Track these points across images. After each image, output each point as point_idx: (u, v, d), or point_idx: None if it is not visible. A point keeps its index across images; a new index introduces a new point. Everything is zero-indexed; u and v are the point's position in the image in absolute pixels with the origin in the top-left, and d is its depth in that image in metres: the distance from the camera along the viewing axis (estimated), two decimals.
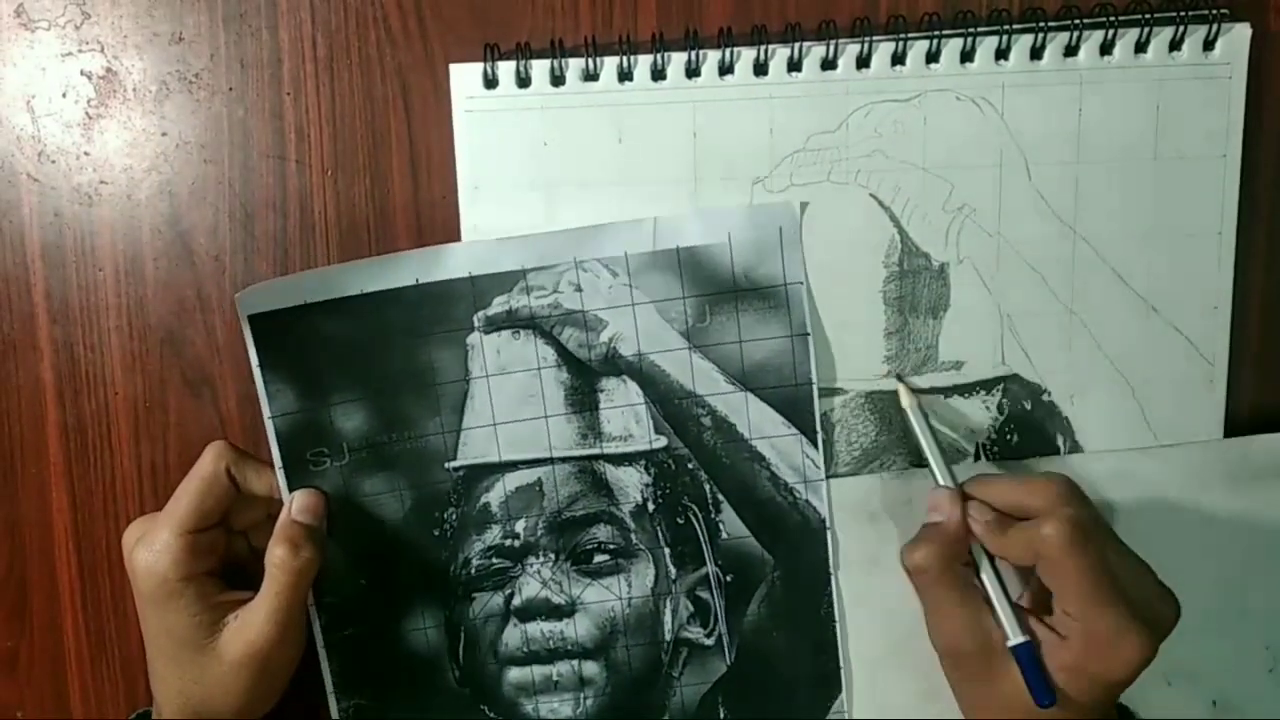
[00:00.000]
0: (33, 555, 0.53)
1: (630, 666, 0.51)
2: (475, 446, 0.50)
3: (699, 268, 0.49)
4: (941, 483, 0.48)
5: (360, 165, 0.50)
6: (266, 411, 0.49)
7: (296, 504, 0.49)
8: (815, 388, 0.50)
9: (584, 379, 0.50)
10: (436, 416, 0.50)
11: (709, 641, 0.51)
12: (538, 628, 0.51)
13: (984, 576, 0.46)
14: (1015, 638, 0.44)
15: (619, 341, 0.49)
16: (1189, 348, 0.50)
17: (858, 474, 0.51)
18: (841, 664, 0.51)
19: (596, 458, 0.50)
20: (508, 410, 0.50)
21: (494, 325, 0.49)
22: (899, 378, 0.50)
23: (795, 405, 0.50)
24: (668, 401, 0.50)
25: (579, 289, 0.49)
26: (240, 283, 0.51)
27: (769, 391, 0.50)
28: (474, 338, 0.49)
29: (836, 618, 0.51)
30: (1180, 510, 0.50)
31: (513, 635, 0.51)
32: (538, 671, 0.51)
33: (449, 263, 0.49)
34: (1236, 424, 0.51)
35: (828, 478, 0.50)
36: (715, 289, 0.49)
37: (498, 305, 0.49)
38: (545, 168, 0.49)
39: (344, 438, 0.50)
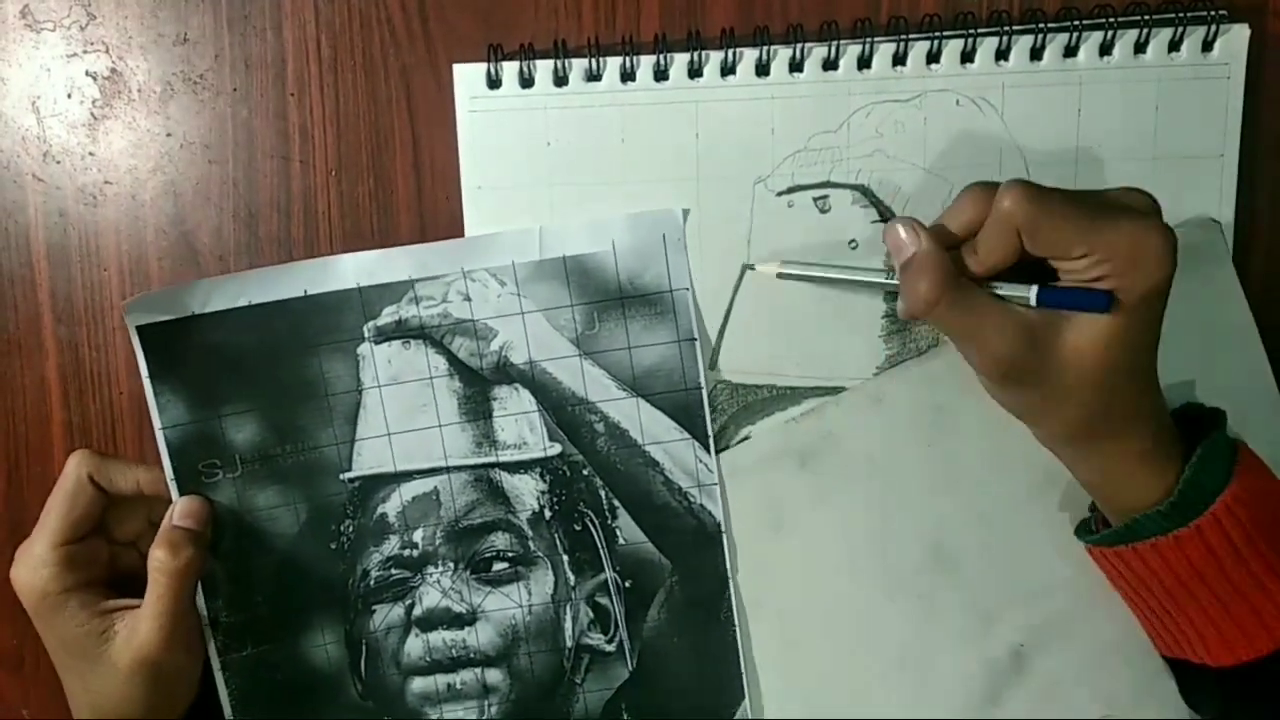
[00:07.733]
0: None
1: (533, 674, 0.51)
2: (370, 457, 0.50)
3: (585, 275, 0.49)
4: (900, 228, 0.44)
5: (364, 165, 0.51)
6: (157, 423, 0.49)
7: (179, 509, 0.48)
8: (705, 392, 0.50)
9: (477, 388, 0.50)
10: (329, 428, 0.50)
11: (610, 648, 0.51)
12: (440, 637, 0.51)
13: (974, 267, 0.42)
14: (1032, 290, 0.41)
15: (510, 350, 0.49)
16: None
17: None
18: (744, 668, 0.51)
19: (492, 466, 0.50)
20: (401, 420, 0.50)
21: (384, 335, 0.49)
22: (752, 267, 0.49)
23: (686, 410, 0.50)
24: (560, 409, 0.50)
25: (468, 298, 0.49)
26: None
27: (660, 397, 0.50)
28: (365, 348, 0.49)
29: (736, 622, 0.51)
30: None
31: (415, 645, 0.51)
32: (441, 680, 0.51)
33: (337, 273, 0.49)
34: None
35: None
36: (602, 296, 0.49)
37: (387, 315, 0.49)
38: (548, 168, 0.49)
39: (236, 449, 0.50)
